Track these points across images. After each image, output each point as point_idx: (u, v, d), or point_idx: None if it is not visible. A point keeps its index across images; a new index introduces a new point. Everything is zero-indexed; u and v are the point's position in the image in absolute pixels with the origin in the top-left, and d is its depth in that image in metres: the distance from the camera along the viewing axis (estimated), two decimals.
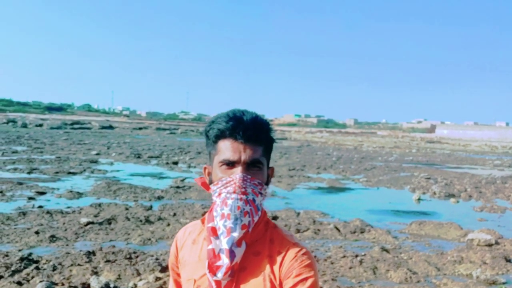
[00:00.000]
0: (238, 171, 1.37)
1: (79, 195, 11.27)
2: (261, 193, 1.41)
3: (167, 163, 20.75)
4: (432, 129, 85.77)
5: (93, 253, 6.13)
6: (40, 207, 9.41)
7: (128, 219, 8.43)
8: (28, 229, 7.47)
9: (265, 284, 1.38)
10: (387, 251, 7.22)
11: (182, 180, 15.04)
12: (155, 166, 20.00)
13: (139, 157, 23.21)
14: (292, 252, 1.40)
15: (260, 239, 1.44)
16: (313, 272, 1.38)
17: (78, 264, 5.66)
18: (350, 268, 6.24)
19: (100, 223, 8.02)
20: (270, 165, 1.51)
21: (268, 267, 1.40)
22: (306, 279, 1.36)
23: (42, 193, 11.21)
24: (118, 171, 17.25)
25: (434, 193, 14.45)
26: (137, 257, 6.16)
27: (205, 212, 7.07)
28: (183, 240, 1.55)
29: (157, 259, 5.95)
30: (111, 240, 7.20)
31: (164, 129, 61.29)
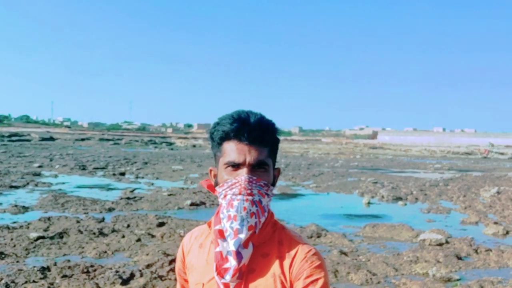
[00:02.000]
0: (243, 173, 1.36)
1: (25, 209, 10.74)
2: (267, 194, 1.40)
3: (114, 174, 20.23)
4: (374, 135, 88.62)
5: (48, 268, 5.84)
6: None
7: (81, 232, 8.10)
8: None
9: (275, 286, 1.38)
10: (345, 254, 7.35)
11: (132, 191, 14.69)
12: (102, 177, 19.46)
13: (84, 168, 22.50)
14: (302, 253, 1.39)
15: (268, 240, 1.43)
16: (323, 273, 1.38)
17: (33, 281, 5.37)
18: None
19: (51, 238, 7.66)
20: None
21: (278, 268, 1.39)
22: (317, 280, 1.36)
23: None
24: (63, 183, 16.63)
25: (382, 196, 14.88)
26: (95, 270, 5.92)
27: (161, 224, 6.88)
28: (189, 245, 1.54)
29: (117, 271, 5.74)
30: (64, 255, 6.90)
31: (108, 140, 59.75)
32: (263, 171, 1.39)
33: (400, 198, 14.68)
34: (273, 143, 1.43)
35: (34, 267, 5.85)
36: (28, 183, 15.84)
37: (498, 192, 16.19)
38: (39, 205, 11.38)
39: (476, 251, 7.93)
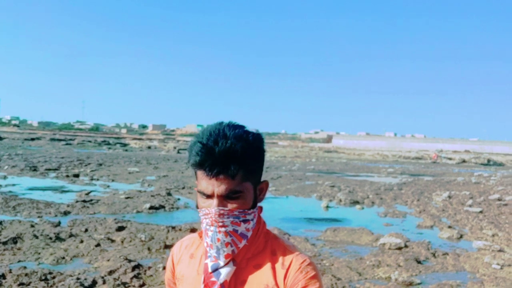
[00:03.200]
0: (213, 204, 1.32)
1: None
2: (245, 220, 1.35)
3: (67, 176, 19.60)
4: (329, 139, 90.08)
5: (3, 276, 5.54)
6: None
7: (36, 237, 7.76)
8: None
9: None
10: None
11: (87, 194, 14.27)
12: (55, 179, 18.81)
13: (35, 170, 21.68)
14: (296, 263, 1.37)
15: (261, 251, 1.41)
16: (318, 283, 1.36)
17: None
18: None
19: (4, 243, 7.29)
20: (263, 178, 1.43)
21: (272, 279, 1.36)
22: None
23: None
24: (13, 185, 15.93)
25: (340, 200, 15.11)
26: (53, 278, 5.67)
27: (121, 229, 6.66)
28: (179, 254, 1.52)
29: (78, 278, 5.51)
30: (19, 261, 6.57)
31: (59, 140, 57.85)
32: (236, 199, 1.33)
33: (357, 202, 14.94)
34: (247, 166, 1.33)
35: None
36: None
37: (449, 197, 16.78)
38: None
39: (434, 254, 8.15)
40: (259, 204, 1.43)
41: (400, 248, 8.41)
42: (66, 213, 10.67)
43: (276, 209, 13.14)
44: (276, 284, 1.36)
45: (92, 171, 22.44)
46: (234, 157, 1.30)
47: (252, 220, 1.38)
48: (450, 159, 52.07)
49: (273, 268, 1.38)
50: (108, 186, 16.81)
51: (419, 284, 6.44)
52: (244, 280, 1.38)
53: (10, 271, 5.79)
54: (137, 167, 25.82)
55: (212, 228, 1.33)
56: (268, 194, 13.93)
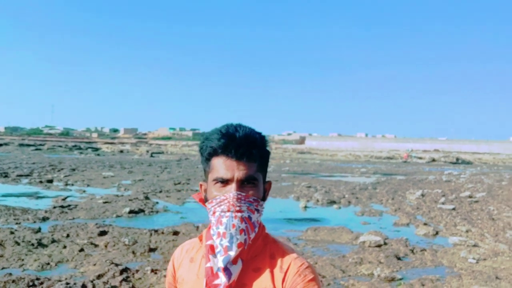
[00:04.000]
0: (232, 189, 1.35)
1: None
2: (257, 210, 1.39)
3: (41, 182, 19.27)
4: (302, 140, 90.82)
5: None
6: None
7: (18, 244, 7.66)
8: None
9: None
10: None
11: (64, 199, 14.09)
12: (28, 185, 18.47)
13: (6, 176, 21.22)
14: (294, 267, 1.38)
15: (260, 254, 1.42)
16: (316, 286, 1.37)
17: None
18: None
19: None
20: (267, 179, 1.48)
21: (270, 283, 1.37)
22: None
23: None
24: None
25: (317, 200, 15.34)
26: (41, 283, 5.64)
27: (103, 233, 6.69)
28: (180, 258, 1.53)
29: (67, 283, 5.50)
30: (3, 268, 6.50)
31: (29, 145, 56.70)
32: (252, 186, 1.37)
33: (334, 202, 15.19)
34: (262, 157, 1.41)
35: None
36: None
37: (422, 195, 17.22)
38: None
39: (412, 251, 8.41)
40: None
41: (379, 246, 8.64)
42: (44, 219, 10.53)
43: None
44: (274, 287, 1.36)
45: (66, 176, 22.11)
46: (254, 144, 1.38)
47: (261, 213, 1.41)
48: (420, 158, 53.25)
49: (272, 272, 1.38)
50: (84, 191, 16.61)
51: (400, 279, 6.65)
52: (244, 283, 1.38)
53: None
54: (112, 172, 25.53)
55: (228, 213, 1.34)
56: None
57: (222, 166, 1.36)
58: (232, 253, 1.34)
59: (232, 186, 1.35)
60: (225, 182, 1.36)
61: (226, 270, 1.35)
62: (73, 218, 10.83)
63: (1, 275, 5.93)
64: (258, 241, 1.42)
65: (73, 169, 26.24)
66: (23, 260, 6.93)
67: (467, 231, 10.45)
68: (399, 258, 7.82)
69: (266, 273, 1.38)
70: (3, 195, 14.91)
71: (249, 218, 1.36)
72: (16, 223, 9.86)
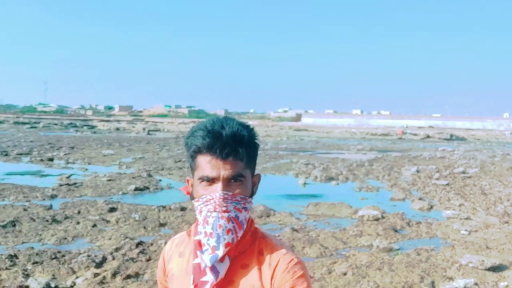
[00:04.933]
0: (218, 188, 1.32)
1: None
2: (245, 208, 1.36)
3: (42, 160, 19.54)
4: (298, 118, 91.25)
5: (15, 256, 5.86)
6: None
7: (33, 220, 8.03)
8: None
9: None
10: (296, 231, 7.94)
11: (68, 177, 14.41)
12: (30, 163, 18.74)
13: (6, 154, 21.46)
14: (283, 263, 1.35)
15: (247, 250, 1.39)
16: (306, 283, 1.35)
17: (6, 268, 5.40)
18: None
19: (4, 226, 7.54)
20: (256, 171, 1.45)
21: (258, 280, 1.35)
22: None
23: None
24: None
25: (316, 177, 15.75)
26: (63, 256, 6.02)
27: (112, 210, 7.06)
28: (170, 252, 1.51)
29: (89, 256, 5.89)
30: (23, 242, 6.87)
31: (24, 123, 56.72)
32: (240, 184, 1.34)
33: (332, 178, 15.62)
34: (250, 153, 1.37)
35: (2, 254, 5.84)
36: None
37: (417, 171, 17.68)
38: None
39: (408, 224, 8.85)
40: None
41: (377, 219, 9.06)
42: (53, 197, 10.88)
43: (260, 187, 13.65)
44: (262, 285, 1.35)
45: (65, 154, 22.37)
46: (241, 141, 1.33)
47: (249, 210, 1.39)
48: (415, 134, 53.77)
49: (260, 269, 1.37)
50: (86, 169, 16.93)
51: (398, 250, 7.09)
52: (231, 280, 1.36)
53: (19, 251, 6.11)
54: (111, 150, 25.80)
55: (214, 214, 1.32)
56: None
57: (207, 165, 1.32)
58: (220, 253, 1.32)
59: (218, 185, 1.32)
60: (210, 180, 1.33)
61: (213, 268, 1.33)
62: (81, 196, 11.18)
63: (24, 249, 6.30)
64: (246, 237, 1.39)
65: (72, 147, 26.47)
66: (40, 235, 7.31)
67: (460, 205, 10.91)
68: (396, 231, 8.25)
69: (254, 270, 1.37)
70: (8, 173, 15.20)
71: (236, 217, 1.34)
72: (27, 201, 10.20)
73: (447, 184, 14.31)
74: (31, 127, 51.48)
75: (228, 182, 1.32)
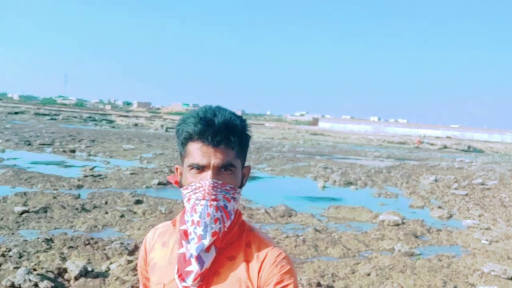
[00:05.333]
0: (207, 176, 1.30)
1: None
2: (234, 198, 1.35)
3: (64, 151, 19.95)
4: (315, 122, 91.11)
5: (51, 240, 6.11)
6: None
7: (64, 208, 8.30)
8: None
9: None
10: (319, 231, 8.09)
11: (92, 169, 14.72)
12: (53, 154, 19.13)
13: (30, 144, 21.93)
14: (271, 257, 1.35)
15: (235, 242, 1.39)
16: (293, 278, 1.34)
17: (44, 251, 5.64)
18: (295, 246, 6.97)
19: (36, 212, 7.82)
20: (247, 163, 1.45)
21: (245, 272, 1.34)
22: (286, 286, 1.33)
23: None
24: (15, 159, 16.27)
25: (335, 181, 15.85)
26: (96, 242, 6.25)
27: (138, 202, 7.31)
28: (152, 242, 1.48)
29: (121, 243, 6.12)
30: (56, 228, 7.13)
31: (44, 115, 57.43)
32: (230, 173, 1.33)
33: (350, 183, 15.70)
34: (241, 143, 1.36)
35: (38, 238, 6.10)
36: None
37: (435, 180, 17.67)
38: (3, 180, 11.25)
39: (428, 231, 8.94)
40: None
41: (397, 225, 9.16)
42: (79, 187, 11.16)
43: (277, 188, 13.83)
44: (249, 277, 1.34)
45: (87, 147, 22.75)
46: (233, 130, 1.32)
47: (238, 201, 1.38)
48: (432, 144, 53.39)
49: (247, 261, 1.36)
50: (108, 163, 17.25)
51: (419, 255, 7.19)
52: (217, 271, 1.35)
53: (53, 236, 6.35)
54: (131, 145, 26.17)
55: (203, 202, 1.30)
56: (265, 174, 14.68)
57: (198, 152, 1.30)
58: (206, 242, 1.31)
59: (208, 174, 1.30)
60: (200, 168, 1.31)
61: (199, 258, 1.32)
62: (106, 187, 11.45)
63: (58, 234, 6.55)
64: (234, 229, 1.39)
65: (93, 140, 26.90)
66: (72, 222, 7.56)
67: (479, 216, 10.94)
68: (416, 236, 8.35)
69: (241, 262, 1.36)
70: (33, 162, 15.59)
71: (225, 207, 1.32)
72: (54, 189, 10.50)
73: (466, 195, 14.31)
74: (51, 119, 52.19)
75: (218, 171, 1.31)
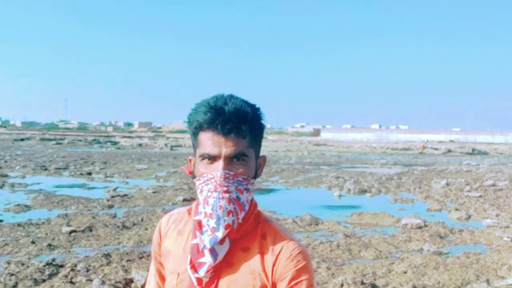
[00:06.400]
0: (219, 167, 1.28)
1: (27, 208, 11.13)
2: (247, 189, 1.31)
3: (81, 174, 20.43)
4: (316, 132, 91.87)
5: (109, 255, 6.58)
6: (0, 221, 9.31)
7: (106, 226, 8.77)
8: (17, 240, 7.56)
9: (254, 283, 1.31)
10: (349, 236, 8.55)
11: (115, 190, 15.19)
12: (71, 177, 19.61)
13: (46, 169, 22.42)
14: (287, 250, 1.32)
15: (250, 233, 1.35)
16: (309, 273, 1.31)
17: (107, 265, 6.12)
18: (331, 251, 7.44)
19: (83, 231, 8.30)
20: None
21: (259, 265, 1.32)
22: (301, 281, 1.30)
23: None
24: (38, 183, 16.76)
25: (349, 190, 16.31)
26: (148, 255, 6.71)
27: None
28: (166, 228, 1.46)
29: None
30: (105, 245, 7.60)
31: (49, 140, 58.09)
32: (242, 163, 1.30)
33: (365, 191, 16.17)
34: (254, 131, 1.32)
35: (97, 254, 6.58)
36: (3, 184, 15.90)
37: (447, 184, 18.14)
38: (38, 204, 11.75)
39: (451, 231, 9.40)
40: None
41: (420, 227, 9.62)
42: (110, 207, 11.63)
43: (296, 199, 14.32)
44: (264, 270, 1.31)
45: (101, 169, 23.24)
46: (244, 118, 1.29)
47: (252, 192, 1.35)
48: (436, 149, 53.89)
49: (262, 253, 1.33)
50: (127, 183, 17.72)
51: (447, 253, 7.66)
52: (231, 262, 1.32)
53: (110, 251, 6.83)
54: (143, 164, 26.66)
55: (215, 194, 1.27)
56: (279, 186, 15.20)
57: (208, 141, 1.28)
58: (220, 234, 1.28)
59: (220, 164, 1.28)
60: (212, 158, 1.29)
61: (213, 250, 1.29)
62: (135, 206, 11.92)
63: (111, 250, 7.02)
64: (249, 220, 1.36)
65: (104, 162, 27.39)
66: (118, 238, 8.03)
67: (497, 215, 11.39)
68: (441, 237, 8.81)
69: (256, 254, 1.33)
70: (57, 186, 16.07)
71: (238, 198, 1.29)
72: (88, 210, 10.97)
73: (480, 196, 14.77)
74: (57, 143, 52.78)
75: (230, 161, 1.29)
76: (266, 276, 1.30)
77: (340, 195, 15.19)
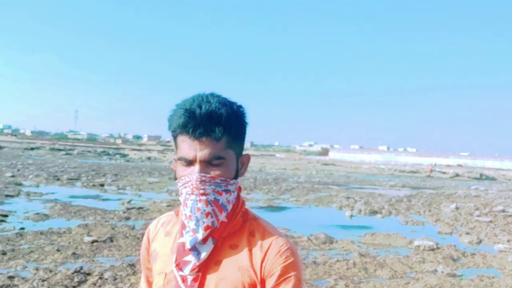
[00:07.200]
0: (195, 171, 1.28)
1: (46, 216, 11.38)
2: (226, 190, 1.31)
3: (94, 185, 20.69)
4: (324, 152, 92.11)
5: (133, 265, 6.80)
6: (22, 229, 9.56)
7: (127, 237, 9.01)
8: (42, 248, 7.80)
9: (243, 280, 1.31)
10: (364, 256, 8.71)
11: (129, 202, 15.42)
12: (84, 188, 19.88)
13: (58, 179, 22.71)
14: (275, 246, 1.32)
15: (238, 231, 1.36)
16: (297, 269, 1.32)
17: (132, 274, 6.33)
18: (347, 269, 7.62)
19: (104, 241, 8.53)
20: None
21: (248, 261, 1.32)
22: (290, 277, 1.31)
23: (4, 216, 11.14)
24: (53, 193, 17.04)
25: (360, 210, 16.46)
26: None
27: None
28: (155, 231, 1.47)
29: None
30: (127, 256, 7.82)
31: (59, 150, 58.66)
32: (219, 165, 1.30)
33: (376, 212, 16.31)
34: (231, 132, 1.31)
35: (122, 263, 6.80)
36: (19, 193, 16.20)
37: (456, 208, 18.23)
38: (55, 213, 12.01)
39: (463, 255, 9.54)
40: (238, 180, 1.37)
41: (433, 249, 9.77)
42: (127, 219, 11.87)
43: (308, 217, 14.50)
44: (252, 266, 1.32)
45: (113, 181, 23.51)
46: (218, 121, 1.27)
47: (233, 192, 1.34)
48: (443, 173, 53.85)
49: (250, 250, 1.33)
50: (140, 196, 17.96)
51: (461, 275, 7.80)
52: (219, 260, 1.33)
53: (134, 261, 7.04)
54: (154, 178, 26.91)
55: (192, 197, 1.28)
56: (291, 204, 15.37)
57: (185, 145, 1.29)
58: (200, 236, 1.29)
59: (196, 167, 1.28)
60: (188, 162, 1.29)
61: (194, 249, 1.30)
62: (151, 218, 12.14)
63: (134, 260, 7.24)
64: (236, 218, 1.36)
65: (115, 174, 27.68)
66: (139, 249, 8.22)
67: (508, 241, 11.50)
68: (454, 260, 8.96)
69: (244, 251, 1.33)
70: (71, 196, 16.33)
71: (216, 200, 1.29)
72: (105, 221, 11.21)
73: (490, 221, 14.87)
74: (66, 154, 53.27)
75: (207, 164, 1.28)
76: (255, 273, 1.31)
77: (351, 215, 15.34)
